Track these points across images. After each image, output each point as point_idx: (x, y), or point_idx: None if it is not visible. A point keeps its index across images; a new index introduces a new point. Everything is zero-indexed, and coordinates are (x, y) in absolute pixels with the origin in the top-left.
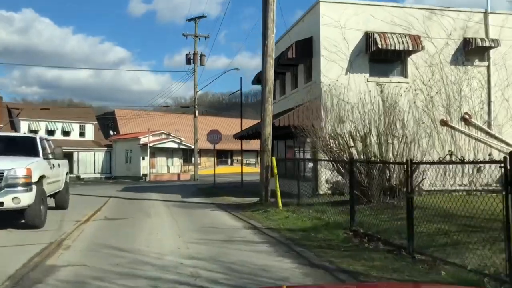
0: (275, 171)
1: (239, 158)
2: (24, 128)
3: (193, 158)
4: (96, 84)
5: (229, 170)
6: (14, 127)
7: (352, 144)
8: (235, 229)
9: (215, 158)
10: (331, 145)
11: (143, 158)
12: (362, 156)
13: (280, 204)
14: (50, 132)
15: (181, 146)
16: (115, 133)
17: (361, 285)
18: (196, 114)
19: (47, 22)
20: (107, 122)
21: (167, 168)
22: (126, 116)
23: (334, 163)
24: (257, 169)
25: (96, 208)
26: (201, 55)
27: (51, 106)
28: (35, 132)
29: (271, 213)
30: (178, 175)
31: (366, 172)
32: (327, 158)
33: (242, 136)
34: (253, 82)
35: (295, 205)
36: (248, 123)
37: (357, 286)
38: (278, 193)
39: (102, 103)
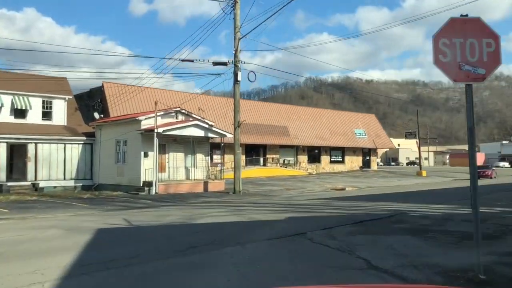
0: None
1: (275, 156)
2: None
3: (224, 155)
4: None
5: (263, 173)
6: None
7: None
8: None
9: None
10: None
11: (146, 155)
12: None
13: None
14: None
15: (210, 135)
16: (102, 116)
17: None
18: (239, 77)
19: (49, 21)
20: (92, 102)
21: (186, 171)
22: (121, 83)
23: None
24: (300, 172)
25: None
26: None
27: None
28: None
29: None
30: (205, 183)
31: None
32: None
33: None
34: None
35: None
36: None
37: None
38: None
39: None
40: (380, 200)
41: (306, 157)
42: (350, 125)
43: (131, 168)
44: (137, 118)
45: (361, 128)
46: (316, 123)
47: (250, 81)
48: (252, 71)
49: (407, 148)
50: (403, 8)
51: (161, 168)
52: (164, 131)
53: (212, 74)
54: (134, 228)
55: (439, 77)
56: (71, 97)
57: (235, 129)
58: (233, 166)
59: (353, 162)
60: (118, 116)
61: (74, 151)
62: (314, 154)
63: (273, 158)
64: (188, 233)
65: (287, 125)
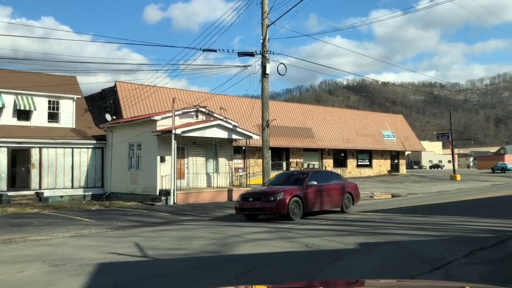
0: None
1: (299, 160)
2: None
3: (245, 160)
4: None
5: None
6: None
7: None
8: None
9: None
10: None
11: (162, 160)
12: None
13: None
14: None
15: (234, 136)
16: (114, 118)
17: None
18: (267, 69)
19: (66, 29)
20: (104, 104)
21: (207, 178)
22: (136, 86)
23: None
24: None
25: None
26: None
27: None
28: None
29: None
30: (229, 191)
31: None
32: None
33: None
34: None
35: None
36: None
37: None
38: None
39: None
40: (450, 213)
41: (332, 161)
42: (378, 126)
43: (146, 175)
44: (152, 118)
45: (389, 130)
46: (342, 124)
47: (280, 74)
48: (282, 63)
49: (430, 151)
50: (417, 10)
51: (180, 174)
52: (183, 132)
53: (238, 66)
54: (150, 263)
55: (456, 78)
56: (80, 97)
57: (263, 129)
58: (254, 171)
59: (381, 166)
60: (132, 117)
61: (83, 156)
62: (339, 157)
63: (296, 162)
64: (234, 276)
65: (311, 127)
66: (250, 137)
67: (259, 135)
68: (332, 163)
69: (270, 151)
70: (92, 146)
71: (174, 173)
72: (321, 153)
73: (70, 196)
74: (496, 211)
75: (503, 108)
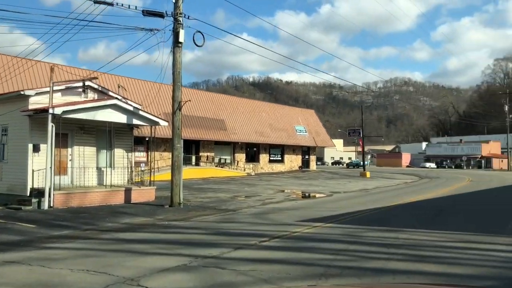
0: None
1: (210, 154)
2: None
3: (148, 152)
4: None
5: (196, 174)
6: None
7: None
8: None
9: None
10: None
11: (36, 149)
12: None
13: None
14: None
15: (135, 121)
16: None
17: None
18: (181, 37)
19: None
20: None
21: (99, 174)
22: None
23: None
24: (238, 172)
25: None
26: None
27: None
28: None
29: None
30: (127, 191)
31: None
32: None
33: None
34: None
35: None
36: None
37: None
38: None
39: None
40: (422, 225)
41: (244, 155)
42: (290, 121)
43: (13, 168)
44: (22, 93)
45: (302, 125)
46: (255, 116)
47: (197, 45)
48: (199, 31)
49: (332, 148)
50: (320, 14)
51: (60, 169)
52: (64, 112)
53: (143, 29)
54: None
55: (353, 80)
56: None
57: (174, 112)
58: (159, 166)
59: (293, 161)
60: None
61: None
62: (252, 152)
63: (207, 157)
64: None
65: (223, 118)
66: (157, 123)
67: (167, 121)
68: (245, 157)
69: (182, 141)
70: None
71: (52, 167)
72: (234, 147)
73: None
74: (481, 221)
75: (394, 110)
